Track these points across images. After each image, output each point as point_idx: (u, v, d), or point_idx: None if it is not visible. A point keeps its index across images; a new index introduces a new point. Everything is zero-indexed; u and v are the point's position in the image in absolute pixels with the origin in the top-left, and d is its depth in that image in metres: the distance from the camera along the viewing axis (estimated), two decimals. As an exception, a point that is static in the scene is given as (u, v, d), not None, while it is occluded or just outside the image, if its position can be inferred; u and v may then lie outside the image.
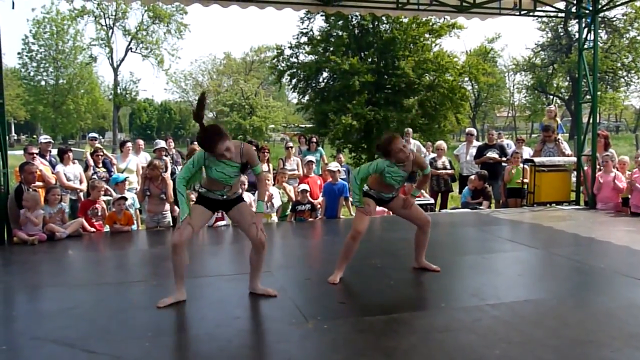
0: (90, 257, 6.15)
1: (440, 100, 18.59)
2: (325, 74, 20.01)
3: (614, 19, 38.06)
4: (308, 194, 8.04)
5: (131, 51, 38.84)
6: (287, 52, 20.62)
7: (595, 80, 9.02)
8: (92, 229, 7.11)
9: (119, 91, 38.93)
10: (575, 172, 9.49)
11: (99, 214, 7.24)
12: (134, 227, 7.44)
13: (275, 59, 21.77)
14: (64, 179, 7.91)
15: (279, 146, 33.47)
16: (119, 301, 4.24)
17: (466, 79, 21.41)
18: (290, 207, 8.17)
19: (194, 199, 4.22)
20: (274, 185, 8.13)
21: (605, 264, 5.16)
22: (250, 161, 4.07)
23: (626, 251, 5.67)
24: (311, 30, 19.90)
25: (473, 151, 10.24)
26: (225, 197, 4.11)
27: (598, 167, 8.68)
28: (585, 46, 9.12)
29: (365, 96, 17.56)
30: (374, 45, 18.83)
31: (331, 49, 19.19)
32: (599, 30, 36.28)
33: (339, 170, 8.67)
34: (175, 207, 7.42)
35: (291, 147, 10.16)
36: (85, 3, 34.64)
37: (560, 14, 9.57)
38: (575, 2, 8.95)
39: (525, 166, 9.37)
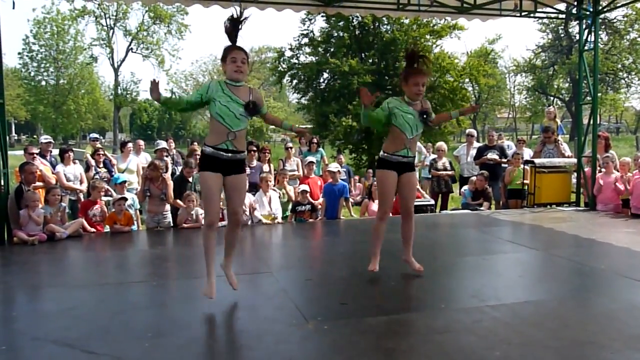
0: (90, 257, 6.16)
1: (441, 101, 18.60)
2: (325, 75, 20.01)
3: (615, 20, 38.07)
4: (308, 195, 8.05)
5: (132, 51, 38.89)
6: (288, 53, 20.64)
7: (595, 82, 9.02)
8: (93, 230, 7.11)
9: (119, 91, 38.95)
10: (575, 174, 9.49)
11: (99, 214, 7.24)
12: (134, 227, 7.44)
13: (276, 61, 21.78)
14: (63, 179, 7.91)
15: (279, 147, 33.44)
16: (119, 301, 4.24)
17: (467, 80, 21.41)
18: (290, 207, 8.18)
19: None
20: (274, 185, 8.13)
21: (605, 265, 5.15)
22: (258, 102, 3.86)
23: (626, 252, 5.66)
24: (312, 31, 19.93)
25: (473, 152, 10.26)
26: (229, 152, 3.76)
27: (598, 168, 8.68)
28: (586, 47, 9.11)
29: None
30: (374, 46, 18.84)
31: (332, 49, 19.20)
32: (600, 32, 36.25)
33: (339, 171, 8.69)
34: (181, 203, 7.41)
35: (291, 148, 10.16)
36: (86, 3, 34.64)
37: (560, 16, 9.57)
38: (575, 3, 8.95)
39: (526, 167, 9.37)
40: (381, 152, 4.52)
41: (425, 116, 4.40)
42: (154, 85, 3.71)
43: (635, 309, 3.83)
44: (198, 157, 8.20)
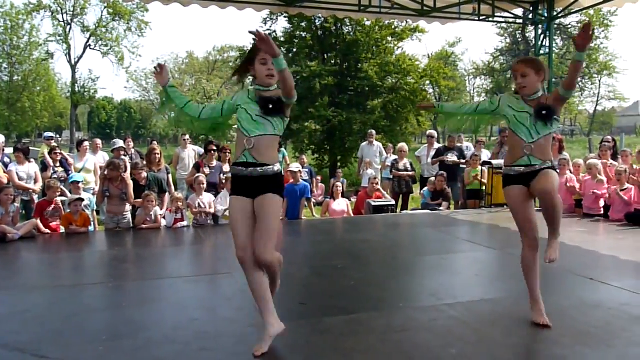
0: (44, 259, 5.99)
1: (402, 102, 18.82)
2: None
3: (570, 26, 39.31)
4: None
5: (90, 48, 37.93)
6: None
7: (550, 85, 9.29)
8: (48, 230, 6.91)
9: (76, 89, 37.95)
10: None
11: (57, 214, 7.04)
12: (91, 228, 7.27)
13: (238, 60, 21.63)
14: (16, 179, 7.66)
15: (241, 147, 33.22)
16: (74, 304, 4.14)
17: (427, 82, 21.73)
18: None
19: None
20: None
21: (558, 263, 5.26)
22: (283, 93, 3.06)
23: (578, 251, 5.85)
24: (274, 31, 19.84)
25: (433, 153, 10.42)
26: (248, 165, 3.05)
27: (553, 169, 8.92)
28: (541, 52, 9.39)
29: (327, 99, 17.62)
30: (337, 47, 18.92)
31: (295, 50, 19.18)
32: (555, 37, 37.42)
33: (300, 171, 8.69)
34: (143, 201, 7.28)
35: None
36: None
37: (518, 20, 9.83)
38: (531, 9, 9.20)
39: (484, 168, 9.57)
40: (503, 167, 3.65)
41: (544, 112, 3.39)
42: (161, 68, 3.29)
43: (584, 306, 3.96)
44: (157, 156, 8.09)
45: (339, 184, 9.53)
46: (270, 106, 3.03)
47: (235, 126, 3.12)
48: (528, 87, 3.43)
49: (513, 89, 3.67)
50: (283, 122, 3.14)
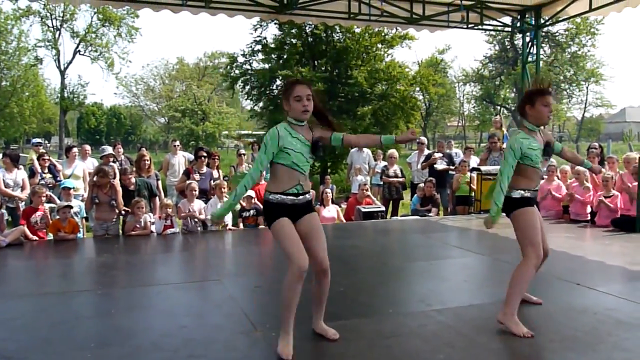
0: (31, 266, 5.95)
1: (392, 109, 18.88)
2: (279, 82, 20.00)
3: (557, 34, 39.74)
4: (255, 200, 8.02)
5: (79, 54, 37.76)
6: (241, 59, 20.54)
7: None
8: (35, 237, 6.86)
9: (66, 94, 37.74)
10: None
11: (42, 221, 7.00)
12: (80, 235, 7.23)
13: (229, 66, 21.64)
14: (1, 186, 7.60)
15: (232, 153, 33.19)
16: (62, 312, 4.12)
17: (417, 89, 21.84)
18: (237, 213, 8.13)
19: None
20: (226, 192, 8.05)
21: (545, 269, 5.31)
22: (323, 135, 3.38)
23: (565, 256, 5.90)
24: (265, 38, 19.88)
25: (424, 159, 10.49)
26: (298, 196, 3.30)
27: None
28: (529, 59, 9.50)
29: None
30: (327, 54, 18.97)
31: (285, 57, 19.22)
32: (543, 45, 37.80)
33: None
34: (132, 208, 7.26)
35: (243, 154, 10.12)
36: (31, 3, 33.50)
37: (506, 28, 9.94)
38: (519, 17, 9.31)
39: (473, 175, 9.63)
40: (515, 192, 3.71)
41: (548, 149, 3.79)
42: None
43: (571, 311, 4.00)
44: (146, 162, 8.06)
45: (329, 190, 9.55)
46: (318, 146, 3.39)
47: (291, 162, 3.29)
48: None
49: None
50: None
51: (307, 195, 3.38)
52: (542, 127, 3.83)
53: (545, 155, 3.78)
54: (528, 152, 3.64)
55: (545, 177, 9.79)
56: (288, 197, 3.29)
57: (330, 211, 9.00)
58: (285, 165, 3.26)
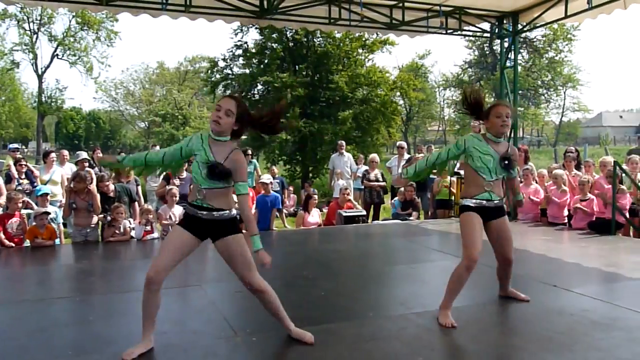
0: (7, 273, 5.85)
1: (373, 114, 18.98)
2: (260, 87, 19.99)
3: (535, 39, 40.35)
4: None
5: (57, 58, 37.33)
6: (221, 64, 20.47)
7: (515, 97, 9.53)
8: (11, 244, 6.76)
9: (43, 99, 37.26)
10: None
11: (19, 227, 6.89)
12: (57, 241, 7.14)
13: (209, 71, 21.56)
14: (-22, 192, 7.48)
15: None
16: (39, 319, 4.06)
17: (398, 93, 21.99)
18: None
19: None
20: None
21: (523, 271, 5.42)
22: (234, 170, 3.18)
23: (543, 259, 6.00)
24: (245, 43, 19.87)
25: (404, 163, 10.56)
26: (203, 210, 3.22)
27: (519, 179, 9.12)
28: (507, 65, 9.63)
29: (298, 109, 17.69)
30: (308, 58, 19.02)
31: (266, 61, 19.22)
32: (521, 50, 38.34)
33: (271, 182, 8.71)
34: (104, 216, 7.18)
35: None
36: (7, 6, 33.02)
37: (483, 34, 10.07)
38: (497, 23, 9.44)
39: (453, 179, 9.72)
40: (462, 200, 4.00)
41: (506, 162, 3.89)
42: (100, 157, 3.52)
43: (549, 312, 4.06)
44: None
45: (315, 196, 9.59)
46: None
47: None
48: (508, 128, 3.95)
49: (477, 131, 4.08)
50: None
51: (213, 212, 3.23)
52: (503, 141, 4.00)
53: (502, 169, 3.90)
54: (471, 151, 3.86)
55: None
56: (193, 208, 3.28)
57: (314, 217, 9.03)
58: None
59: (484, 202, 3.89)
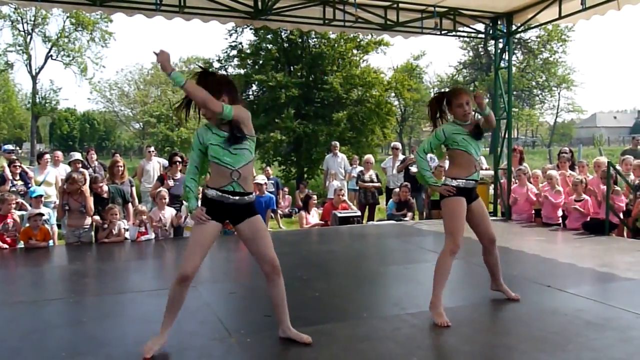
0: (1, 274, 5.82)
1: (367, 114, 19.02)
2: (254, 87, 19.99)
3: (529, 40, 40.48)
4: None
5: (51, 59, 37.18)
6: (216, 64, 20.45)
7: (510, 98, 9.55)
8: (6, 245, 6.72)
9: (37, 100, 37.10)
10: (492, 185, 9.96)
11: (12, 228, 6.85)
12: (51, 242, 7.11)
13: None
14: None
15: (208, 158, 32.91)
16: (32, 320, 4.04)
17: (392, 94, 22.03)
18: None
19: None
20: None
21: (517, 271, 5.45)
22: (243, 125, 3.24)
23: (537, 259, 6.01)
24: (240, 43, 19.86)
25: (398, 164, 10.58)
26: (235, 195, 3.26)
27: (513, 180, 9.16)
28: (502, 65, 9.65)
29: (293, 110, 17.70)
30: (302, 59, 19.03)
31: (261, 62, 19.22)
32: (515, 51, 38.46)
33: (265, 183, 8.71)
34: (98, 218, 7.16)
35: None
36: (0, 7, 32.87)
37: (478, 35, 10.10)
38: (491, 24, 9.46)
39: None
40: (448, 180, 4.05)
41: (478, 131, 4.07)
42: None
43: (541, 312, 4.08)
44: (119, 168, 7.96)
45: (315, 196, 9.60)
46: (236, 133, 3.24)
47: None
48: (471, 113, 4.06)
49: (450, 120, 4.13)
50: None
51: (245, 195, 3.32)
52: (470, 123, 4.10)
53: (477, 138, 4.05)
54: (454, 137, 4.00)
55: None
56: (223, 194, 3.28)
57: (314, 217, 9.05)
58: (211, 160, 3.27)
59: (473, 182, 4.05)
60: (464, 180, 4.02)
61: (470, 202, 4.08)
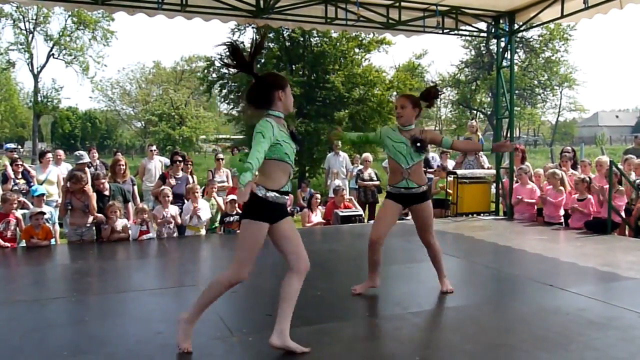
0: (2, 273, 5.83)
1: (369, 113, 19.00)
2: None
3: (531, 39, 40.39)
4: (237, 205, 7.99)
5: (53, 57, 37.18)
6: (218, 63, 20.44)
7: (512, 97, 9.53)
8: (7, 245, 6.72)
9: (39, 99, 37.11)
10: (494, 184, 9.96)
11: (13, 228, 6.85)
12: (53, 241, 7.11)
13: (206, 70, 21.53)
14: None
15: (210, 157, 32.98)
16: (34, 319, 4.04)
17: (394, 93, 22.00)
18: (219, 218, 8.08)
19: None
20: (202, 197, 8.01)
21: (519, 271, 5.44)
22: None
23: (538, 258, 6.00)
24: (242, 42, 19.85)
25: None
26: (285, 195, 3.36)
27: (515, 179, 9.14)
28: (504, 64, 9.63)
29: (295, 109, 17.69)
30: (304, 58, 19.02)
31: (262, 60, 19.20)
32: (517, 50, 38.39)
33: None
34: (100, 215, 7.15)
35: (221, 159, 10.07)
36: (3, 5, 32.89)
37: (480, 34, 10.08)
38: (493, 23, 9.44)
39: (449, 178, 9.74)
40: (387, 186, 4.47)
41: (418, 145, 4.15)
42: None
43: (543, 312, 4.07)
44: (121, 167, 7.96)
45: (318, 195, 9.60)
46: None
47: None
48: (405, 117, 4.17)
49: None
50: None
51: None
52: (415, 127, 4.27)
53: (416, 153, 4.19)
54: (386, 142, 4.27)
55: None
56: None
57: (318, 216, 9.05)
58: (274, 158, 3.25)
59: (402, 189, 4.27)
60: (393, 187, 4.33)
61: (410, 204, 4.37)
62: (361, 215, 9.55)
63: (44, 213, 6.94)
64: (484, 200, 9.82)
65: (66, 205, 7.02)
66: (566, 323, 3.79)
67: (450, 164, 10.79)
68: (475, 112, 44.58)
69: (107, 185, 7.41)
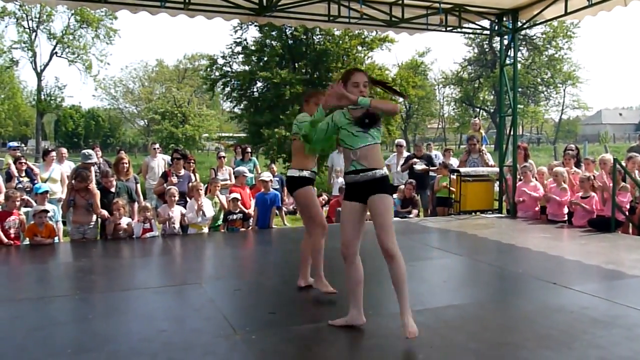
0: (5, 271, 5.84)
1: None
2: (259, 84, 19.98)
3: (534, 37, 40.29)
4: (239, 203, 7.99)
5: (56, 56, 37.27)
6: (221, 61, 20.46)
7: (515, 95, 9.51)
8: (10, 242, 6.74)
9: (42, 97, 37.20)
10: (498, 182, 9.94)
11: (16, 226, 6.87)
12: (56, 239, 7.12)
13: (208, 68, 21.54)
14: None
15: (212, 155, 32.98)
16: (38, 317, 4.05)
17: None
18: (222, 216, 8.09)
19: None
20: (205, 195, 8.01)
21: (523, 269, 5.43)
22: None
23: (542, 256, 5.99)
24: (245, 40, 19.86)
25: (402, 162, 10.57)
26: (358, 172, 3.56)
27: (518, 177, 9.12)
28: (507, 62, 9.61)
29: (296, 107, 17.69)
30: (307, 56, 19.00)
31: (265, 59, 19.21)
32: (521, 48, 38.29)
33: (271, 180, 8.70)
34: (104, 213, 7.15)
35: (224, 157, 10.08)
36: (6, 4, 32.94)
37: (483, 31, 10.05)
38: (496, 20, 9.42)
39: (452, 176, 9.72)
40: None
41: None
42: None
43: (547, 310, 4.06)
44: (125, 165, 7.96)
45: (324, 194, 9.59)
46: (367, 121, 3.56)
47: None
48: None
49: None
50: (379, 132, 3.65)
51: (369, 172, 3.56)
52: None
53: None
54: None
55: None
56: (350, 175, 3.63)
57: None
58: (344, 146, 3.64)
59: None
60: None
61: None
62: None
63: (47, 211, 6.95)
64: (487, 198, 9.80)
65: (69, 202, 7.03)
66: (570, 321, 3.78)
67: (454, 161, 10.78)
68: (478, 109, 44.55)
69: (114, 183, 7.42)
